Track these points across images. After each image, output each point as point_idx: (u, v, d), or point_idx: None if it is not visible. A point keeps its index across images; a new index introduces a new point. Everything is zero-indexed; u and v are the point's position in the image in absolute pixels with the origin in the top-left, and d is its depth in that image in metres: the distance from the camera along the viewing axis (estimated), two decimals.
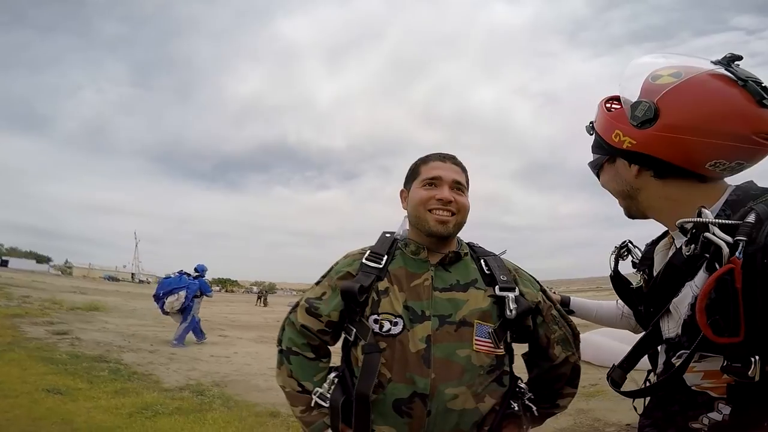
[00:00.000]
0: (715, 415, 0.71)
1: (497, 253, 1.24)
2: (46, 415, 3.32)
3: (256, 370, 6.59)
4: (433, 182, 1.15)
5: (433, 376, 1.02)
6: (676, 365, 0.74)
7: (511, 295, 1.10)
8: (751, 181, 0.80)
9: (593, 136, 0.93)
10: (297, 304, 1.23)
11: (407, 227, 1.24)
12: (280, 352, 1.21)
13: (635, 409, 0.94)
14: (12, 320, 9.09)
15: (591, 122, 0.94)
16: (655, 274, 0.92)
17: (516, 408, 1.08)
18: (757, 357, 0.64)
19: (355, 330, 1.11)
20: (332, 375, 1.14)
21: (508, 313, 1.08)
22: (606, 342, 6.27)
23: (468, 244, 1.26)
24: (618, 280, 1.04)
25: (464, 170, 1.21)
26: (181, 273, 9.03)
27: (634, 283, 1.01)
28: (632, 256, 1.03)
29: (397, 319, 1.07)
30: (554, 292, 1.47)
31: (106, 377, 5.10)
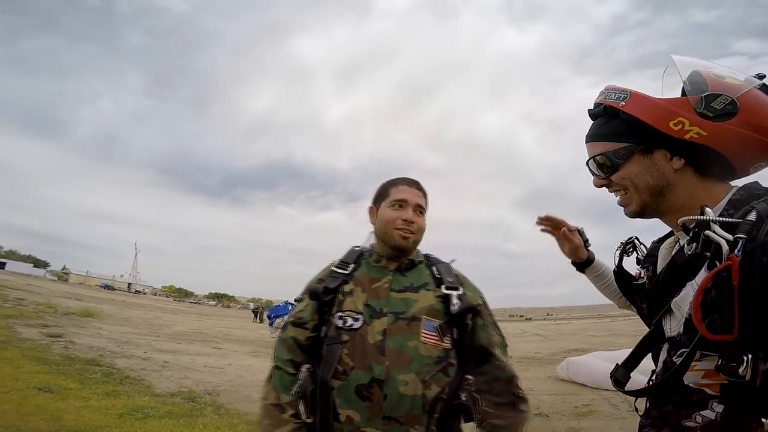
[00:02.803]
0: (708, 413, 0.71)
1: (447, 261, 1.42)
2: (35, 411, 3.29)
3: (248, 381, 6.51)
4: (401, 204, 1.33)
5: (387, 363, 1.16)
6: (677, 364, 0.74)
7: (455, 293, 1.27)
8: (756, 182, 0.80)
9: (608, 120, 0.86)
10: (287, 324, 1.38)
11: (372, 241, 1.43)
12: (272, 367, 1.33)
13: (636, 410, 0.93)
14: (6, 320, 9.04)
15: (603, 107, 0.86)
16: (658, 271, 0.91)
17: (464, 398, 1.19)
18: (749, 356, 0.63)
19: (324, 327, 1.26)
20: (305, 367, 1.25)
21: (453, 308, 1.24)
22: (601, 365, 6.24)
23: (425, 254, 1.43)
24: (621, 276, 1.03)
25: (425, 195, 1.41)
26: (286, 303, 13.17)
27: (636, 280, 0.99)
28: (637, 253, 1.01)
29: (359, 316, 1.23)
30: (587, 241, 1.33)
31: (98, 379, 5.06)
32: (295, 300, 1.45)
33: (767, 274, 0.63)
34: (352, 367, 1.17)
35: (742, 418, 0.68)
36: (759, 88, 0.77)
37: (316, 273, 1.39)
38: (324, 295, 1.26)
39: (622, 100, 0.82)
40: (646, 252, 0.99)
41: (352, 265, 1.34)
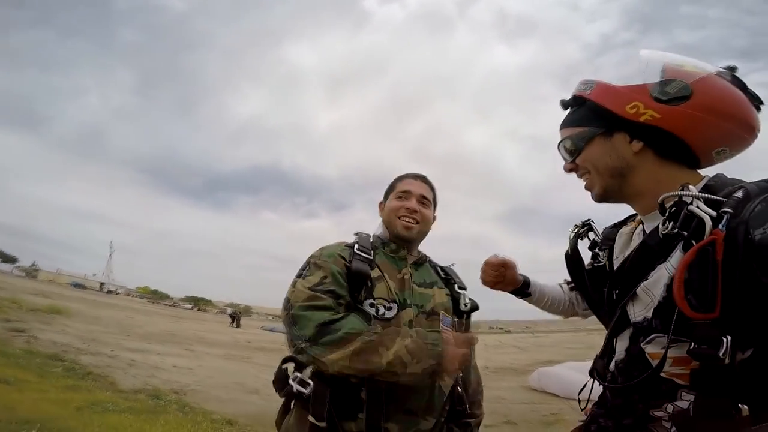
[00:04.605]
0: (680, 404, 0.69)
1: (448, 265, 1.46)
2: None
3: (218, 382, 6.38)
4: (404, 195, 1.34)
5: None
6: (645, 351, 0.75)
7: (465, 293, 1.34)
8: (722, 174, 0.81)
9: (577, 108, 0.89)
10: (293, 306, 1.10)
11: (380, 231, 1.40)
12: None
13: (579, 400, 0.96)
14: None
15: (573, 96, 0.90)
16: (615, 257, 0.92)
17: (460, 390, 1.26)
18: (729, 337, 0.61)
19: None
20: None
21: (463, 306, 1.30)
22: (571, 374, 6.38)
23: (427, 258, 1.44)
24: (573, 259, 1.03)
25: (432, 188, 1.41)
26: None
27: (586, 266, 0.99)
28: (592, 237, 1.02)
29: (391, 304, 1.16)
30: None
31: (58, 374, 4.89)
32: None
33: (750, 252, 0.61)
34: None
35: (717, 406, 0.65)
36: (720, 76, 0.78)
37: (318, 251, 1.22)
38: (359, 275, 1.14)
39: (588, 90, 0.86)
40: (601, 236, 1.00)
41: (371, 251, 1.27)
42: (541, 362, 11.80)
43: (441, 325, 1.21)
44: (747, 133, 0.78)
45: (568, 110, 0.92)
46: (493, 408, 5.80)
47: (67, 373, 5.05)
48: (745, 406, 0.63)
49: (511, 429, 4.74)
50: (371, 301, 1.14)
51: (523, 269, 1.24)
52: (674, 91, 0.76)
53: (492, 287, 1.25)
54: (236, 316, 32.26)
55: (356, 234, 1.35)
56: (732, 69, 0.80)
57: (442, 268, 1.40)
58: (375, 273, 1.20)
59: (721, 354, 0.60)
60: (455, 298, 1.32)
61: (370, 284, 1.17)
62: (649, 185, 0.82)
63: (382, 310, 1.14)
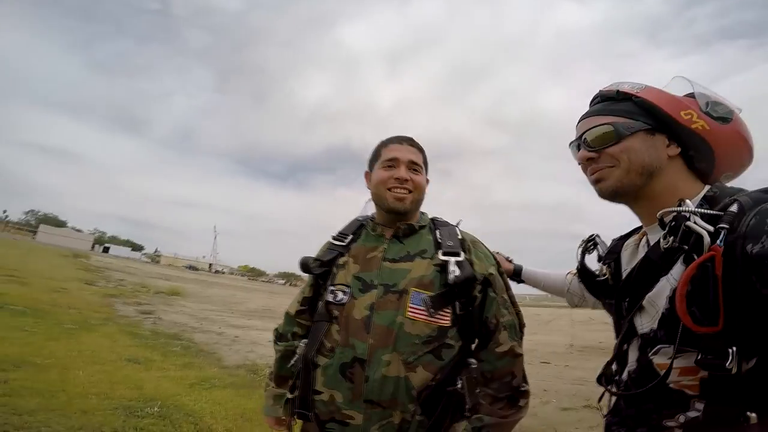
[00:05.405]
0: (692, 414, 0.70)
1: (454, 224, 1.27)
2: (123, 381, 3.85)
3: None
4: (392, 163, 1.22)
5: (371, 341, 1.06)
6: (653, 361, 0.75)
7: (452, 259, 1.11)
8: (721, 183, 0.85)
9: (622, 102, 0.88)
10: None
11: (368, 211, 1.34)
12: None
13: (599, 409, 0.93)
14: (109, 299, 10.55)
15: (617, 91, 0.89)
16: (623, 269, 0.93)
17: (459, 386, 1.05)
18: (734, 348, 0.62)
19: (320, 303, 1.21)
20: (303, 342, 1.22)
21: (451, 277, 1.08)
22: None
23: (432, 218, 1.30)
24: (584, 273, 1.05)
25: (421, 151, 1.27)
26: None
27: (598, 276, 1.01)
28: (598, 250, 1.04)
29: (347, 289, 1.15)
30: (510, 260, 1.47)
31: (177, 352, 5.75)
32: None
33: (749, 265, 0.62)
34: (338, 344, 1.09)
35: (726, 414, 0.66)
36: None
37: None
38: (318, 268, 1.22)
39: (637, 89, 0.87)
40: (607, 249, 1.02)
41: (350, 237, 1.26)
42: None
43: (408, 305, 1.08)
44: (747, 167, 0.88)
45: (602, 102, 0.92)
46: (574, 390, 5.54)
47: (184, 351, 5.92)
48: (754, 414, 0.64)
49: (590, 414, 4.48)
50: (332, 288, 1.18)
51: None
52: (723, 112, 0.82)
53: None
54: None
55: (357, 219, 1.36)
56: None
57: (440, 231, 1.22)
58: (342, 260, 1.21)
59: (728, 365, 0.62)
60: (446, 267, 1.10)
61: (335, 271, 1.20)
62: (668, 190, 0.84)
63: (339, 295, 1.15)
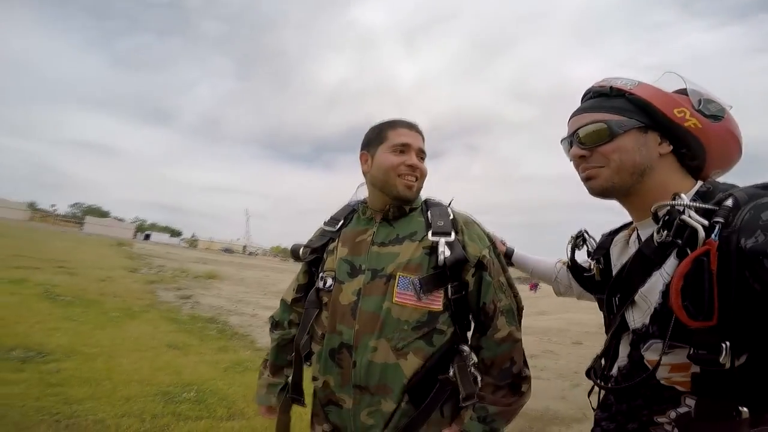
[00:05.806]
0: (683, 409, 0.71)
1: (446, 204, 1.24)
2: (163, 367, 4.09)
3: None
4: (403, 149, 1.18)
5: (357, 327, 1.07)
6: (645, 357, 0.76)
7: (442, 239, 1.08)
8: (713, 179, 0.86)
9: (615, 99, 0.87)
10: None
11: (360, 196, 1.33)
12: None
13: (590, 402, 0.95)
14: (150, 286, 11.15)
15: (610, 87, 0.88)
16: (613, 264, 0.95)
17: (451, 374, 1.03)
18: (727, 343, 0.63)
19: (312, 290, 1.25)
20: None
21: (441, 258, 1.05)
22: None
23: (425, 200, 1.27)
24: (575, 269, 1.09)
25: (424, 139, 1.27)
26: None
27: (588, 271, 1.04)
28: (587, 246, 1.07)
29: (333, 275, 1.18)
30: (504, 243, 1.45)
31: (213, 336, 6.03)
32: None
33: (743, 260, 0.62)
34: (327, 330, 1.12)
35: (718, 408, 0.67)
36: None
37: None
38: (309, 255, 1.26)
39: (630, 86, 0.86)
40: (596, 244, 1.03)
41: (341, 222, 1.27)
42: None
43: (395, 290, 1.06)
44: (736, 163, 0.88)
45: (596, 98, 0.90)
46: None
47: (220, 335, 6.21)
48: (745, 409, 0.65)
49: None
50: (322, 274, 1.20)
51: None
52: (714, 110, 0.81)
53: None
54: None
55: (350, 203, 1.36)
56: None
57: (431, 211, 1.19)
58: (333, 245, 1.23)
59: (721, 360, 0.63)
60: (436, 249, 1.07)
61: (325, 257, 1.23)
62: (659, 187, 0.84)
63: (329, 281, 1.17)
